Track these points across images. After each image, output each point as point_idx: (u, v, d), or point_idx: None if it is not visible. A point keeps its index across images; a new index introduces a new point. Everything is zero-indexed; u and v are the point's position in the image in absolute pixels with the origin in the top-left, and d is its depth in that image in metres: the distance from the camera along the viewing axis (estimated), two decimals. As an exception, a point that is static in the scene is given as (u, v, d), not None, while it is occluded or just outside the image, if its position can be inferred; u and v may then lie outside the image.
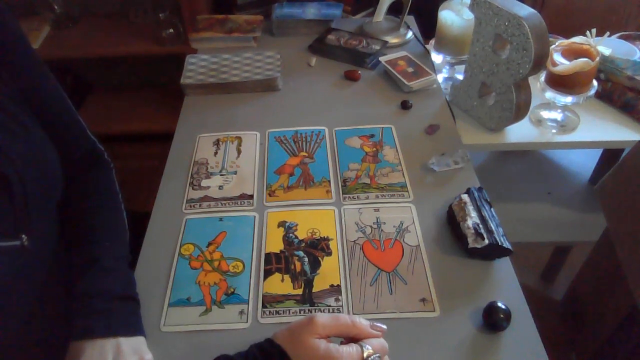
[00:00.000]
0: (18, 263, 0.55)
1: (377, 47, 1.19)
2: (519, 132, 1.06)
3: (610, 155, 1.34)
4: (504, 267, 0.71)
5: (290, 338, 0.53)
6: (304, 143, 0.95)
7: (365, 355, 0.52)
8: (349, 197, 0.83)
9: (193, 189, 0.86)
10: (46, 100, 0.67)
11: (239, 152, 0.93)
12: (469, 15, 1.07)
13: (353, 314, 0.66)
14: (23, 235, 0.55)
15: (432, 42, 1.23)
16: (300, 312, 0.67)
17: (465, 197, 0.76)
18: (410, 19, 1.37)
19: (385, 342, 0.55)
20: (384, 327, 0.56)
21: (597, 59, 0.97)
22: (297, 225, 0.79)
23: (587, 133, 1.06)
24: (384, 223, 0.78)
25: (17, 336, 0.58)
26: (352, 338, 0.54)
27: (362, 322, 0.55)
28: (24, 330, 0.59)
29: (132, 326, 0.62)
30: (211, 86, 1.09)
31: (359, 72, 1.13)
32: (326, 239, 0.76)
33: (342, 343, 0.54)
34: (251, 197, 0.84)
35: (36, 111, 0.64)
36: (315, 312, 0.66)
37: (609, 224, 0.83)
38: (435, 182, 0.86)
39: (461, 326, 0.64)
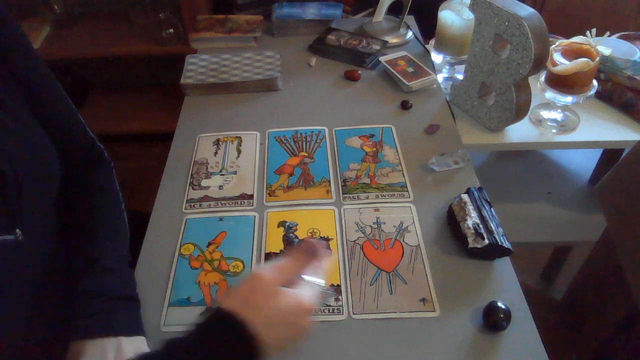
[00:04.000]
0: (14, 258, 0.55)
1: (377, 47, 1.19)
2: (519, 132, 1.06)
3: (610, 155, 1.34)
4: (504, 267, 0.71)
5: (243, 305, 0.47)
6: (304, 143, 0.95)
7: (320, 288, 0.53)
8: (349, 197, 0.83)
9: (193, 188, 0.86)
10: (46, 99, 0.67)
11: (239, 152, 0.93)
12: (469, 15, 1.07)
13: (353, 313, 0.66)
14: (17, 230, 0.55)
15: (432, 42, 1.23)
16: (300, 312, 0.66)
17: (465, 197, 0.76)
18: (410, 19, 1.37)
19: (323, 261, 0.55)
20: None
21: (597, 59, 0.97)
22: (297, 225, 0.79)
23: (587, 133, 1.06)
24: (384, 223, 0.78)
25: (17, 335, 0.58)
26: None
27: (297, 255, 0.54)
28: (24, 330, 0.59)
29: (132, 326, 0.62)
30: (211, 86, 1.09)
31: (359, 72, 1.13)
32: (326, 239, 0.76)
33: None
34: (251, 197, 0.84)
35: (36, 110, 0.64)
36: (315, 312, 0.66)
37: (609, 224, 0.83)
38: (435, 182, 0.86)
39: (461, 326, 0.64)
